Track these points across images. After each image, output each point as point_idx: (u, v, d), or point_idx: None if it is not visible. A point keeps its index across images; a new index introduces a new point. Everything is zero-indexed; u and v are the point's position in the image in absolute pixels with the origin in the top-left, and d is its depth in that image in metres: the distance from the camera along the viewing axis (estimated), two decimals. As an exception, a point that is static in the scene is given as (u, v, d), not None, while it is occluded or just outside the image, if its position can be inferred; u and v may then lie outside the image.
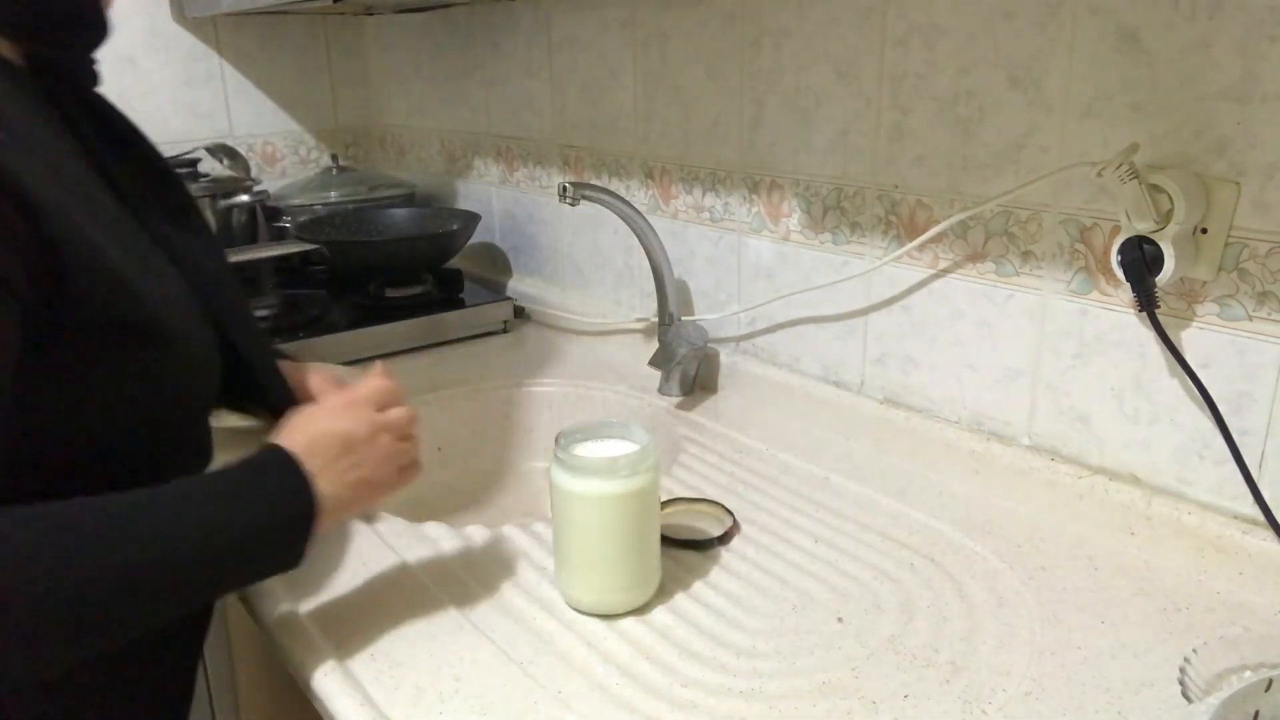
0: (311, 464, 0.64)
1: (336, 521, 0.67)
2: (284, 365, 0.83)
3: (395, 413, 0.71)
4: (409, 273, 1.43)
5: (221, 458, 0.70)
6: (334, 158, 1.70)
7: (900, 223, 0.95)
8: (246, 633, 1.14)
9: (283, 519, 0.62)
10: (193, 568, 0.58)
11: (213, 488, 0.62)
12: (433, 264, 1.46)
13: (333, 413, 0.68)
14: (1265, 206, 0.69)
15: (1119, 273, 0.75)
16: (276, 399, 0.79)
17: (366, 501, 0.68)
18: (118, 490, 0.57)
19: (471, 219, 1.48)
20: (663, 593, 0.75)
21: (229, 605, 1.19)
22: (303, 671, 0.67)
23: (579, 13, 1.28)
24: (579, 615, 0.72)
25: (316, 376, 0.83)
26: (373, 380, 0.72)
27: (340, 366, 0.86)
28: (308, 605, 0.74)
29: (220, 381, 0.73)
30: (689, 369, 1.15)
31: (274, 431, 0.67)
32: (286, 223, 1.58)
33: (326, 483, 0.64)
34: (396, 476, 0.71)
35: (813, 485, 0.92)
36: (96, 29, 0.70)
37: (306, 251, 1.40)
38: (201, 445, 0.76)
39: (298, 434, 0.66)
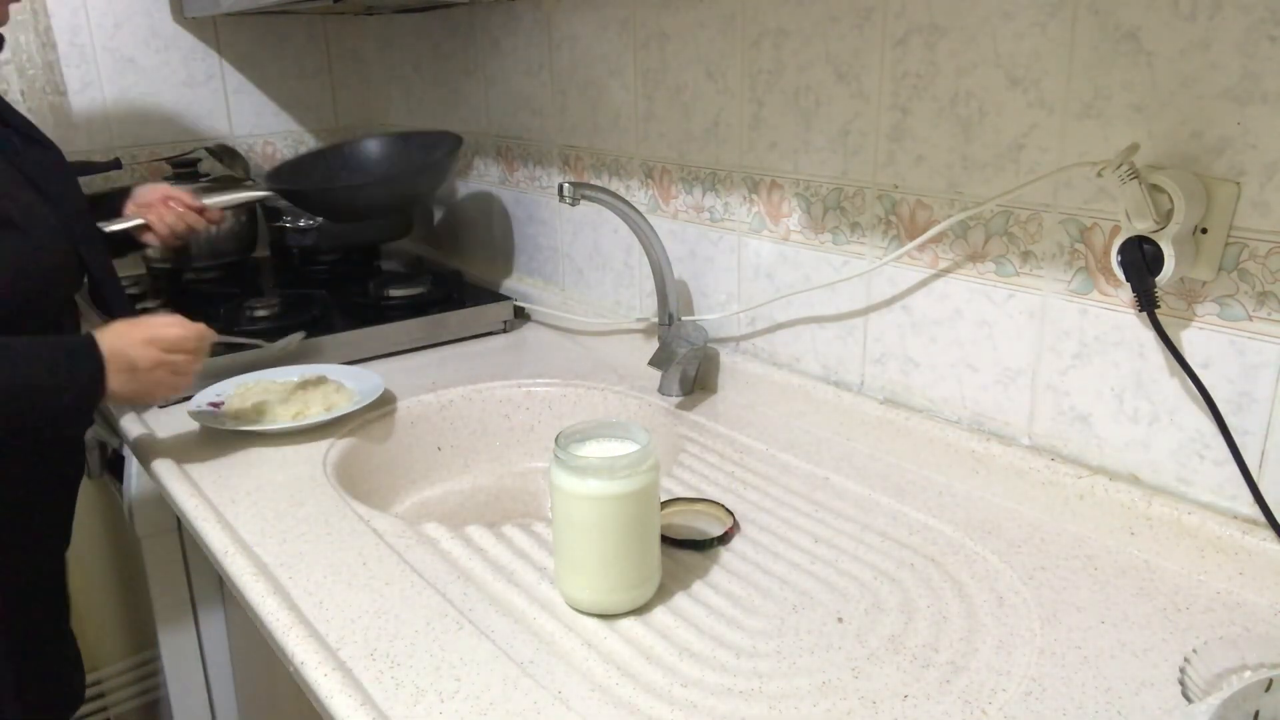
0: (109, 363, 0.89)
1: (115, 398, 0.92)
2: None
3: (177, 356, 0.94)
4: (400, 213, 1.38)
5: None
6: (334, 158, 1.70)
7: (900, 223, 0.95)
8: (247, 632, 1.14)
9: (75, 376, 0.87)
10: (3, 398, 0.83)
11: (32, 343, 0.87)
12: (424, 196, 1.38)
13: (134, 341, 0.91)
14: (1265, 206, 0.69)
15: (1119, 273, 0.75)
16: (115, 308, 1.06)
17: (136, 401, 1.01)
18: None
19: (453, 140, 1.39)
20: (663, 593, 0.75)
21: (229, 605, 1.20)
22: (303, 671, 0.67)
23: (579, 13, 1.28)
24: (579, 615, 0.72)
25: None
26: (173, 329, 0.94)
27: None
28: (308, 605, 0.74)
29: (78, 285, 1.04)
30: (689, 369, 1.15)
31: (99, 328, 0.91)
32: (287, 223, 1.57)
33: (112, 379, 0.89)
34: (162, 394, 0.96)
35: (813, 485, 0.92)
36: None
37: (305, 245, 1.38)
38: (62, 327, 1.02)
39: (108, 337, 0.90)
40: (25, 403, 0.85)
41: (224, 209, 1.26)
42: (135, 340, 0.91)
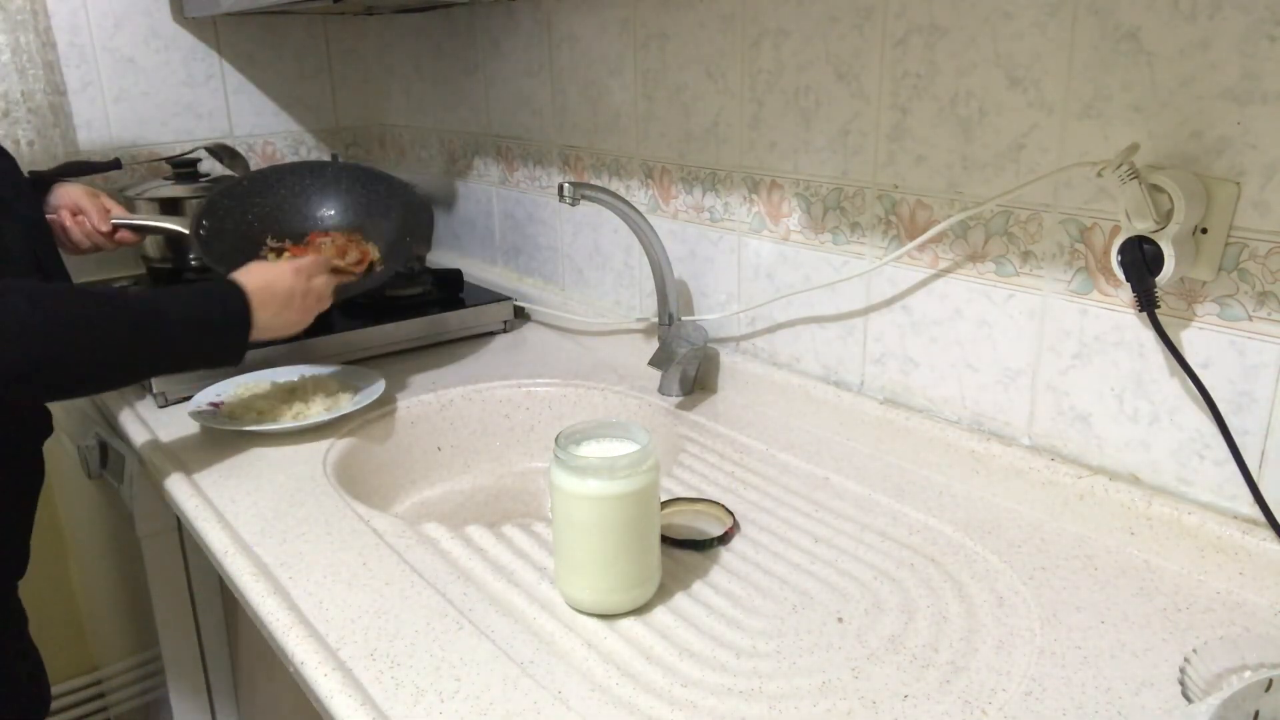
0: (257, 299, 0.97)
1: (264, 332, 0.98)
2: None
3: (318, 280, 1.05)
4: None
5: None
6: (334, 157, 1.70)
7: (900, 223, 0.95)
8: (248, 632, 1.14)
9: (221, 319, 0.94)
10: (156, 343, 0.89)
11: (182, 291, 0.93)
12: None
13: (274, 274, 1.00)
14: (1265, 206, 0.69)
15: (1119, 273, 0.75)
16: None
17: (284, 331, 1.01)
18: None
19: (420, 211, 1.30)
20: (663, 593, 0.75)
21: (229, 605, 1.20)
22: (303, 671, 0.67)
23: (579, 13, 1.28)
24: (579, 615, 0.72)
25: None
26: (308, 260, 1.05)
27: None
28: (308, 605, 0.74)
29: None
30: (689, 369, 1.15)
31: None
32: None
33: (262, 317, 0.97)
34: (308, 318, 1.04)
35: (813, 485, 0.92)
36: None
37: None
38: None
39: (251, 277, 0.98)
40: (191, 338, 0.91)
41: (138, 232, 1.23)
42: (280, 271, 1.00)
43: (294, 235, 1.30)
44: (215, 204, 1.29)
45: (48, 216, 1.13)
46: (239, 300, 0.96)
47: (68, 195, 1.15)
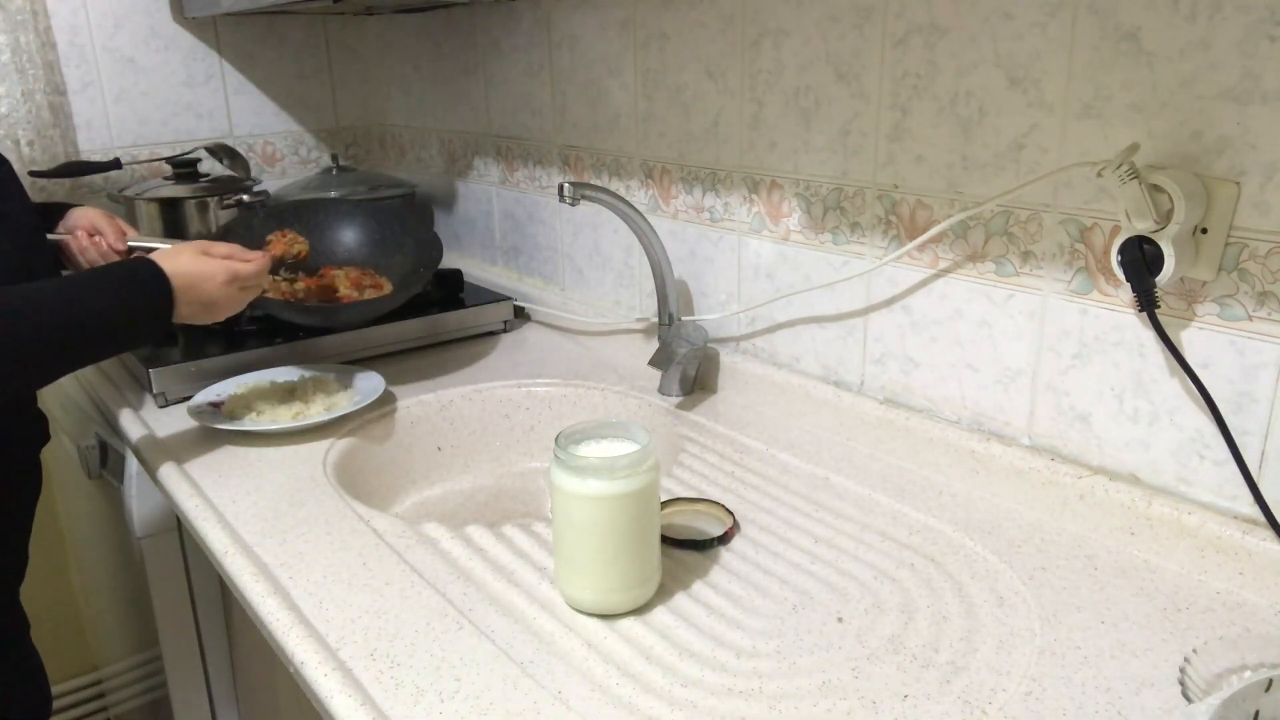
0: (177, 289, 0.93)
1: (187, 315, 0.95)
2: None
3: (246, 295, 1.01)
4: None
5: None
6: (334, 158, 1.70)
7: (900, 223, 0.95)
8: (248, 632, 1.14)
9: (143, 300, 0.91)
10: (75, 333, 0.85)
11: (93, 274, 0.91)
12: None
13: (212, 275, 0.96)
14: (1265, 206, 0.69)
15: (1119, 273, 0.75)
16: None
17: (204, 319, 0.98)
18: None
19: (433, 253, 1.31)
20: (663, 593, 0.75)
21: (229, 605, 1.19)
22: (303, 671, 0.67)
23: (579, 13, 1.28)
24: (579, 615, 0.72)
25: None
26: (248, 266, 1.00)
27: None
28: (308, 605, 0.74)
29: None
30: (689, 369, 1.15)
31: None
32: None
33: (181, 306, 0.94)
34: (229, 310, 0.99)
35: (813, 485, 0.92)
36: None
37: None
38: None
39: (174, 262, 0.95)
40: (96, 334, 0.88)
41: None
42: (210, 275, 0.96)
43: (307, 268, 1.31)
44: (231, 230, 1.30)
45: (63, 237, 1.14)
46: (162, 290, 0.93)
47: (85, 217, 1.16)
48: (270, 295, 1.22)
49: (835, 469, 0.95)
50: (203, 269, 0.96)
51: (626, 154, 1.26)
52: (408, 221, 1.41)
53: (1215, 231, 0.72)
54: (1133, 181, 0.71)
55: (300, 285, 1.27)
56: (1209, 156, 0.71)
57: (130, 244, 1.18)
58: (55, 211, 1.16)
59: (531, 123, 1.43)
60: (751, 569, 0.78)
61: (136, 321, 0.91)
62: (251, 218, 1.34)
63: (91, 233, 1.15)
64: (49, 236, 1.11)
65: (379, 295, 1.28)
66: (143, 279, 0.92)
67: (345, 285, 1.29)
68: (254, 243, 1.20)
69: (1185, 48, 0.71)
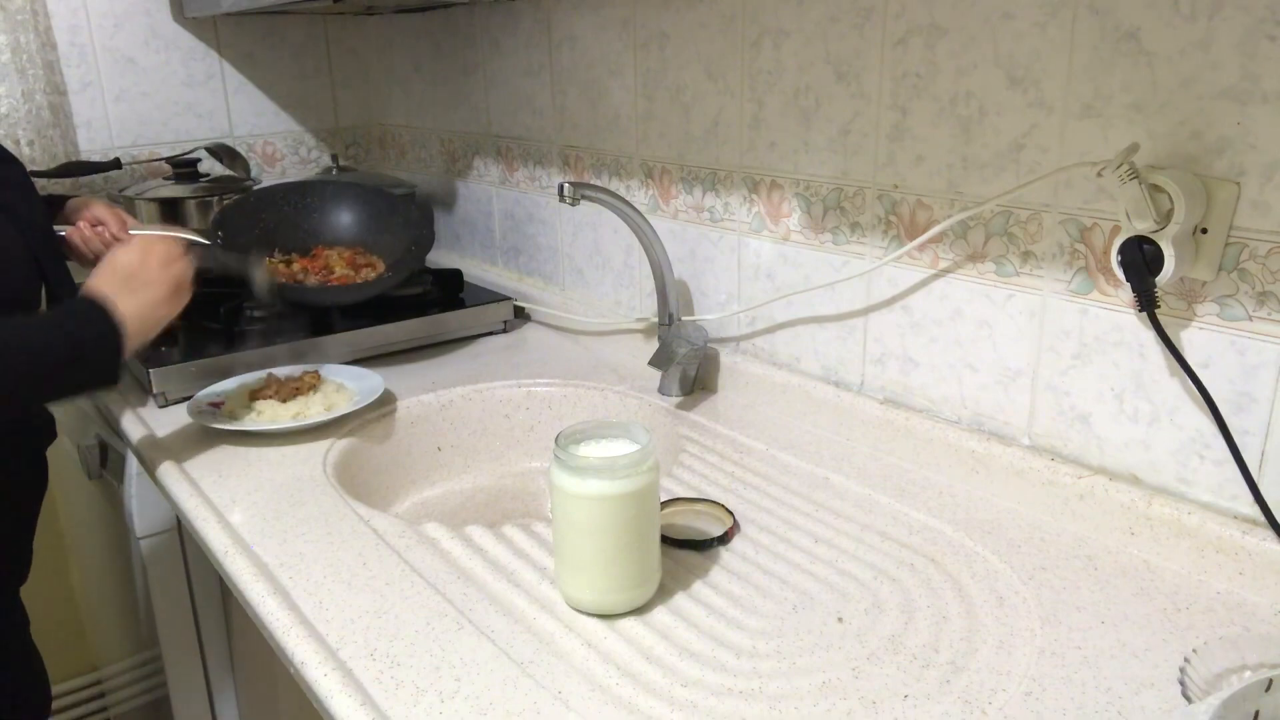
0: (110, 292, 0.88)
1: (140, 337, 0.90)
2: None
3: (161, 244, 0.94)
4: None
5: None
6: (334, 158, 1.70)
7: (900, 223, 0.95)
8: (248, 632, 1.14)
9: (95, 336, 0.85)
10: (22, 378, 0.81)
11: (37, 319, 0.86)
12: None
13: (112, 257, 0.92)
14: (1265, 206, 0.69)
15: (1119, 273, 0.75)
16: None
17: (157, 314, 0.92)
18: None
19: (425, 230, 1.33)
20: (663, 593, 0.75)
21: (229, 605, 1.20)
22: (303, 671, 0.67)
23: (579, 13, 1.28)
24: (579, 615, 0.72)
25: None
26: (160, 245, 0.95)
27: None
28: (307, 605, 0.74)
29: (39, 299, 1.02)
30: (689, 369, 1.15)
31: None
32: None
33: (124, 305, 0.87)
34: (175, 293, 0.93)
35: (813, 485, 0.92)
36: None
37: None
38: None
39: (97, 279, 0.90)
40: (53, 379, 0.84)
41: None
42: (111, 257, 0.92)
43: (300, 249, 1.31)
44: (227, 215, 1.31)
45: (65, 228, 1.13)
46: (101, 317, 0.87)
47: (86, 207, 1.16)
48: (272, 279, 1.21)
49: (835, 469, 0.95)
50: (128, 260, 0.92)
51: (626, 154, 1.26)
52: (394, 202, 1.42)
53: (1215, 231, 0.72)
54: (1133, 181, 0.71)
55: (298, 266, 1.27)
56: (1209, 156, 0.71)
57: (134, 232, 1.18)
58: (52, 204, 1.17)
59: (531, 123, 1.43)
60: (751, 569, 0.78)
61: (85, 354, 0.85)
62: (244, 202, 1.36)
63: (94, 223, 1.15)
64: (54, 223, 1.12)
65: (376, 275, 1.29)
66: (77, 310, 0.88)
67: (341, 265, 1.30)
68: (252, 236, 1.22)
69: (1185, 48, 0.71)
